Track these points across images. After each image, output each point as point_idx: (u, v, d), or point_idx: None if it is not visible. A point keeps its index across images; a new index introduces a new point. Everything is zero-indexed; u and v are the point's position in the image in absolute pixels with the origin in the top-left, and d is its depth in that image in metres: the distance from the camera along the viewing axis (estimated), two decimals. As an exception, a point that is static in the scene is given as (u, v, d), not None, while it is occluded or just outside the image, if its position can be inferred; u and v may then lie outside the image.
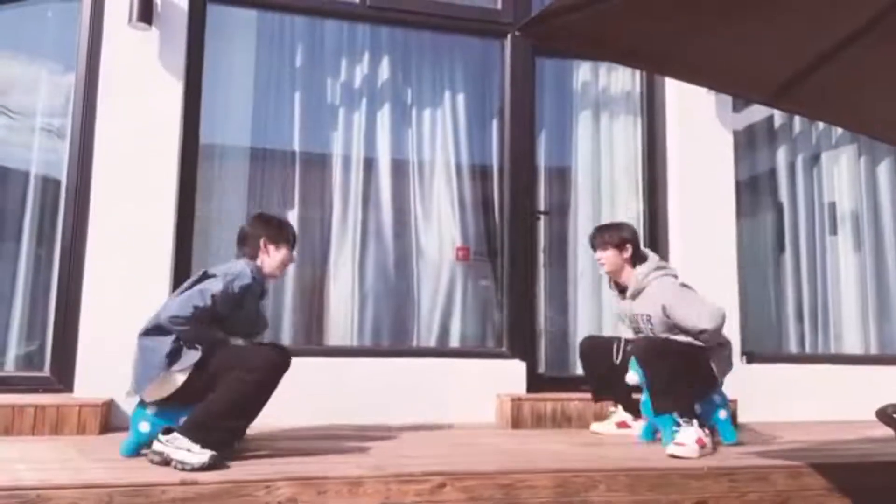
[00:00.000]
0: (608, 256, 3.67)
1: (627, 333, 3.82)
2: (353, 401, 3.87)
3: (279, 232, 3.23)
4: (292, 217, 4.32)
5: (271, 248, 3.19)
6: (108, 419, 3.60)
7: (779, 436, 3.81)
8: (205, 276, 3.06)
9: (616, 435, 3.74)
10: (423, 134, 4.62)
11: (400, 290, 4.46)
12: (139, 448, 2.92)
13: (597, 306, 4.74)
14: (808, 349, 5.05)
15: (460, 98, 4.69)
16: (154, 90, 3.93)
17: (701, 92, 4.61)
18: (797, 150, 5.32)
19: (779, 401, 4.43)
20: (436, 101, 4.66)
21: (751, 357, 4.65)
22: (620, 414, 3.82)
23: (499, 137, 4.64)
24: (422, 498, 2.60)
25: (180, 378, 2.89)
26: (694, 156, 4.68)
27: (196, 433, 2.73)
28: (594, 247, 3.76)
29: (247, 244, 3.20)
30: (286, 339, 4.21)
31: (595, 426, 3.86)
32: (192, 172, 4.06)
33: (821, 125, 5.29)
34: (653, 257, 3.70)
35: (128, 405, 3.66)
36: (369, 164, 4.53)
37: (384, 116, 4.56)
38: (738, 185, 4.85)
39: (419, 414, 3.92)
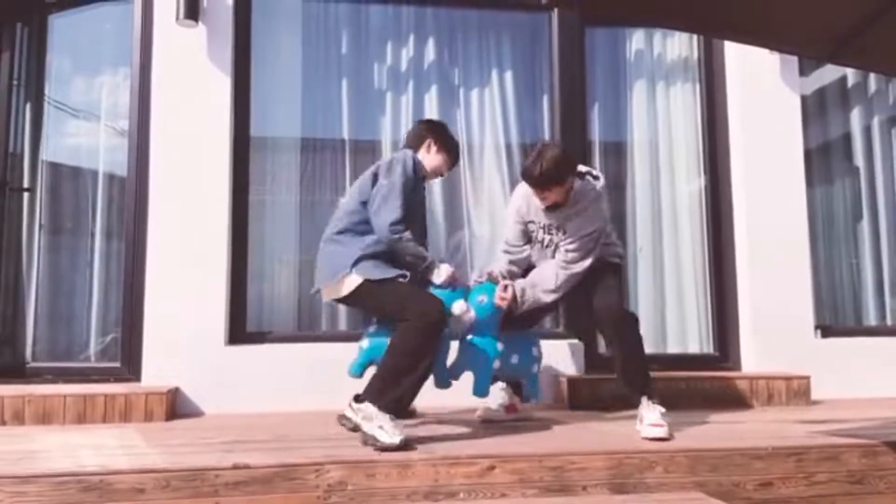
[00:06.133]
0: (553, 194, 3.18)
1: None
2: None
3: (445, 140, 3.39)
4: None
5: (434, 148, 3.35)
6: (174, 407, 3.73)
7: (852, 413, 3.61)
8: (373, 177, 3.16)
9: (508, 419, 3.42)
10: (471, 114, 4.56)
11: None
12: (364, 367, 3.19)
13: (658, 282, 4.59)
14: (889, 321, 4.76)
15: (508, 75, 4.60)
16: (204, 85, 4.02)
17: (764, 54, 4.40)
18: (873, 111, 5.01)
19: (854, 376, 4.21)
20: (483, 80, 4.59)
21: (826, 331, 4.43)
22: (508, 395, 3.49)
23: (549, 113, 4.53)
24: (470, 480, 2.57)
25: (355, 281, 3.01)
26: (758, 123, 4.46)
27: (377, 397, 2.79)
28: (532, 185, 3.19)
29: (412, 139, 3.39)
30: (341, 323, 4.26)
31: (485, 413, 3.44)
32: (245, 164, 4.13)
33: (899, 83, 4.96)
34: (601, 179, 3.30)
35: (192, 392, 3.82)
36: (418, 148, 4.50)
37: (432, 99, 4.52)
38: (809, 153, 4.62)
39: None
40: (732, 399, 3.96)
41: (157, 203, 3.96)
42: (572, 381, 3.93)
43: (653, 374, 3.24)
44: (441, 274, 3.11)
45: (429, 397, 3.50)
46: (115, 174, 4.33)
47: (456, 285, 3.16)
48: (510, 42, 4.64)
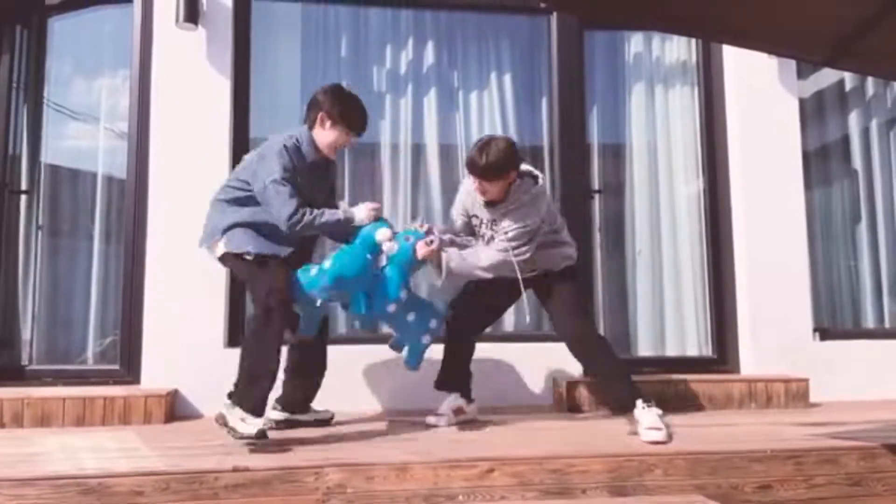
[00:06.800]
0: (492, 187, 3.16)
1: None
2: (407, 386, 3.88)
3: (341, 111, 3.12)
4: (343, 206, 4.33)
5: (328, 123, 3.12)
6: (174, 409, 3.73)
7: (851, 415, 3.61)
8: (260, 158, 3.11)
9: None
10: (470, 117, 4.57)
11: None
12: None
13: (657, 285, 4.60)
14: (887, 324, 4.77)
15: (507, 78, 4.61)
16: (203, 88, 4.02)
17: (762, 58, 4.41)
18: (871, 114, 5.01)
19: (853, 379, 4.22)
20: (482, 83, 4.60)
21: (824, 334, 4.43)
22: (455, 397, 3.49)
23: (548, 116, 4.54)
24: (470, 483, 2.58)
25: (221, 249, 3.09)
26: (756, 126, 4.47)
27: (239, 397, 2.88)
28: (475, 175, 3.17)
29: (309, 112, 3.18)
30: (340, 327, 4.26)
31: (431, 419, 3.41)
32: (244, 167, 4.13)
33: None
34: (541, 180, 3.28)
35: (190, 395, 3.81)
36: (418, 150, 4.51)
37: (431, 101, 4.53)
38: (807, 155, 4.62)
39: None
40: (731, 401, 3.96)
41: (157, 205, 3.96)
42: (570, 384, 3.92)
43: (651, 377, 3.24)
44: (361, 214, 3.09)
45: (437, 399, 3.51)
46: (114, 176, 4.33)
47: (377, 216, 3.14)
48: (509, 45, 4.65)
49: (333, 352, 3.76)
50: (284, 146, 3.04)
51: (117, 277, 4.16)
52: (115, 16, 4.32)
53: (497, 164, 3.10)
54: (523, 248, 3.19)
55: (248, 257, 3.02)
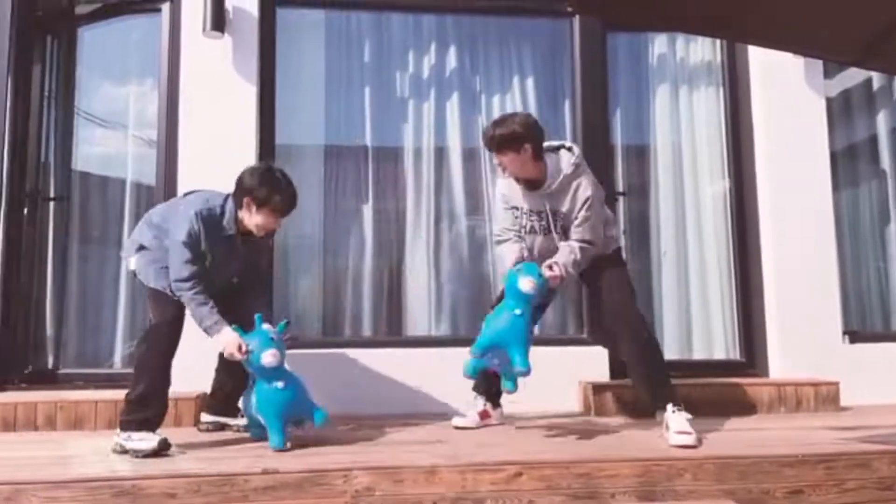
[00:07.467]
0: (508, 161, 3.12)
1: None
2: (433, 390, 3.89)
3: (266, 195, 3.00)
4: (367, 210, 4.41)
5: (253, 207, 3.02)
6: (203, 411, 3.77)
7: (882, 419, 3.56)
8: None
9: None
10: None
11: (475, 278, 4.45)
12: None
13: (683, 287, 4.57)
14: (919, 327, 4.70)
15: (529, 81, 4.62)
16: (230, 94, 4.08)
17: (788, 58, 4.36)
18: (901, 113, 4.94)
19: (884, 382, 4.14)
20: (505, 86, 4.60)
21: (854, 336, 4.37)
22: (482, 402, 3.48)
23: (571, 118, 4.53)
24: (497, 487, 2.58)
25: (131, 265, 3.20)
26: (783, 126, 4.43)
27: (127, 424, 2.95)
28: (488, 148, 3.20)
29: (235, 193, 3.06)
30: (365, 330, 4.29)
31: (457, 420, 3.43)
32: (270, 172, 4.17)
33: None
34: (575, 149, 3.21)
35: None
36: (440, 154, 4.53)
37: (453, 105, 4.55)
38: (834, 155, 4.57)
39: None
40: (760, 405, 3.92)
41: (185, 211, 4.01)
42: (597, 388, 3.91)
43: (678, 380, 3.22)
44: (223, 340, 2.97)
45: (462, 402, 3.51)
46: (142, 182, 4.39)
47: (238, 357, 2.96)
48: (531, 48, 4.65)
49: (357, 355, 3.80)
50: (197, 213, 3.00)
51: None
52: (143, 25, 4.40)
53: (510, 135, 3.04)
54: (598, 229, 3.14)
55: (151, 285, 3.11)
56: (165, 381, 3.04)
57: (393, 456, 2.77)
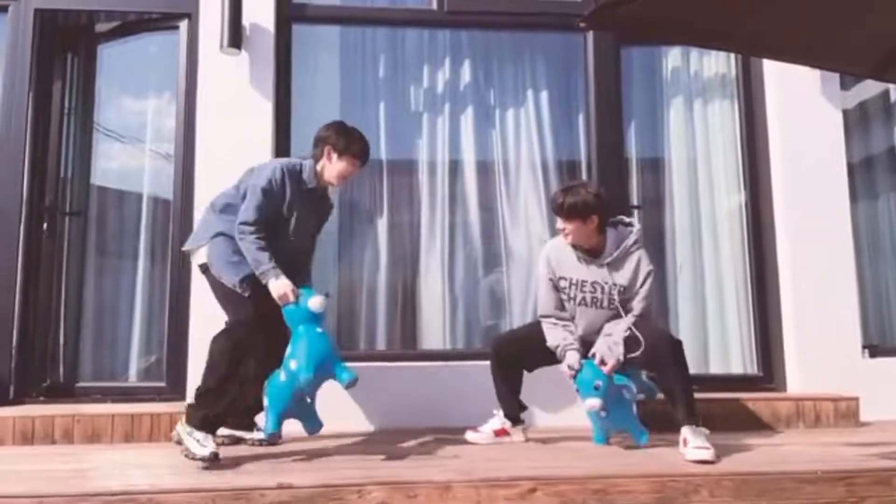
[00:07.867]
0: (573, 228, 3.24)
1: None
2: (447, 404, 3.88)
3: (346, 143, 3.29)
4: (381, 223, 4.42)
5: (334, 156, 3.28)
6: (218, 425, 3.78)
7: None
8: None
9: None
10: (507, 134, 4.59)
11: (490, 291, 4.44)
12: None
13: (699, 301, 4.54)
14: (940, 340, 4.63)
15: (543, 95, 4.63)
16: (246, 110, 4.11)
17: (804, 70, 4.34)
18: (920, 124, 4.90)
19: (905, 397, 4.09)
20: (519, 101, 4.62)
21: (874, 350, 4.31)
22: (500, 419, 3.45)
23: (585, 132, 4.53)
24: (512, 503, 2.56)
25: (202, 256, 3.26)
26: (799, 138, 4.40)
27: (191, 417, 2.97)
28: (556, 214, 3.30)
29: (316, 147, 3.33)
30: (379, 343, 4.29)
31: (470, 435, 3.43)
32: (285, 187, 4.20)
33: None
34: (635, 223, 3.36)
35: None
36: (455, 168, 4.55)
37: (468, 119, 4.57)
38: (852, 168, 4.53)
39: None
40: (778, 421, 3.88)
41: (201, 225, 4.04)
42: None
43: (695, 395, 3.20)
44: (273, 284, 3.08)
45: (475, 417, 3.49)
46: (159, 197, 4.44)
47: (290, 299, 3.09)
48: (545, 62, 4.67)
49: (369, 369, 3.79)
50: (281, 166, 3.25)
51: (162, 295, 4.26)
52: (161, 42, 4.46)
53: (581, 204, 3.17)
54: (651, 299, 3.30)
55: (223, 281, 3.17)
56: (233, 381, 3.03)
57: (407, 471, 2.76)
